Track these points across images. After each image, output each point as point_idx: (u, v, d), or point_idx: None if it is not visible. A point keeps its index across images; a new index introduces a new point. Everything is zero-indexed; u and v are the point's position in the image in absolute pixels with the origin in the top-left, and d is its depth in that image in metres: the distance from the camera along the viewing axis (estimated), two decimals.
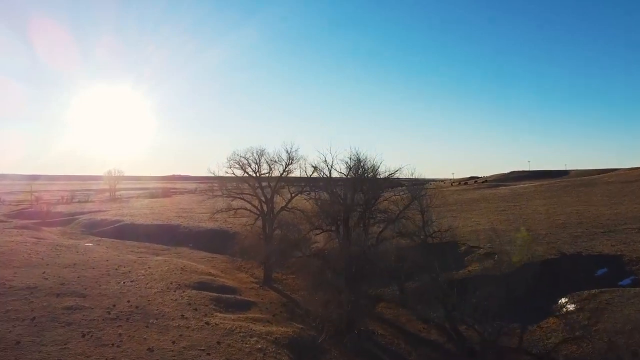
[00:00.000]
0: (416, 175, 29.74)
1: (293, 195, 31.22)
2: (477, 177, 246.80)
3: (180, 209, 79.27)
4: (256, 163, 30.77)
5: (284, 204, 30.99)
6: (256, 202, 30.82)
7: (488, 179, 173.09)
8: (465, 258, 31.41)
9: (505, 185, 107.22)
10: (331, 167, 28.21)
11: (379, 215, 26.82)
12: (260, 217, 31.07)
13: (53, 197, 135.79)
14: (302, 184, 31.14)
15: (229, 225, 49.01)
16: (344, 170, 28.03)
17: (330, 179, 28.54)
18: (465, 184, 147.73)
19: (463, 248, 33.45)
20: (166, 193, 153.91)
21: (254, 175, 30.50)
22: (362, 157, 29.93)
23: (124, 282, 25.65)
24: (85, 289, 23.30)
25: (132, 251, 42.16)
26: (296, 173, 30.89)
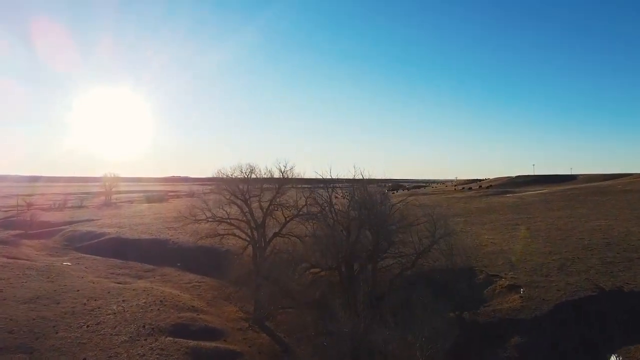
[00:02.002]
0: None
1: (287, 219, 27.39)
2: (480, 180, 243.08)
3: (174, 218, 75.42)
4: (245, 182, 26.95)
5: (278, 228, 27.17)
6: (245, 227, 27.00)
7: (492, 184, 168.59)
8: (485, 291, 27.49)
9: (512, 193, 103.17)
10: (331, 193, 24.15)
11: (390, 253, 22.89)
12: (250, 244, 27.25)
13: (47, 201, 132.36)
14: (296, 210, 27.03)
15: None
16: (347, 196, 24.07)
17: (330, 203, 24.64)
18: (470, 189, 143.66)
19: (481, 277, 29.54)
20: (162, 197, 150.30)
21: (242, 198, 26.61)
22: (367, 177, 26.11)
23: (88, 326, 21.82)
24: (37, 338, 19.50)
25: (112, 273, 38.38)
26: (291, 193, 26.99)
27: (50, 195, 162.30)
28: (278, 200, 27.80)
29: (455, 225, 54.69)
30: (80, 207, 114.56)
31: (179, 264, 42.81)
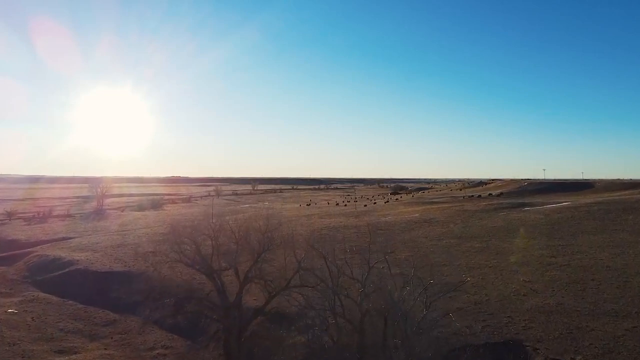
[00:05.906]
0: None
1: (273, 294, 19.92)
2: (486, 182, 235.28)
3: (160, 235, 68.10)
4: (212, 245, 19.62)
5: (261, 302, 19.78)
6: (215, 304, 19.66)
7: (503, 190, 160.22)
8: None
9: (530, 205, 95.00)
10: (338, 276, 16.66)
11: None
12: (221, 329, 19.90)
13: (35, 207, 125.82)
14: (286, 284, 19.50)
15: (200, 283, 37.50)
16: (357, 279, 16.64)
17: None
18: (480, 196, 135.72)
19: None
20: (157, 203, 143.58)
21: (207, 270, 19.23)
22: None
23: None
24: None
25: (61, 329, 31.01)
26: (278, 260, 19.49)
27: (43, 200, 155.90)
28: (258, 268, 20.35)
29: (475, 255, 47.19)
30: (66, 216, 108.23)
31: (148, 311, 35.39)
